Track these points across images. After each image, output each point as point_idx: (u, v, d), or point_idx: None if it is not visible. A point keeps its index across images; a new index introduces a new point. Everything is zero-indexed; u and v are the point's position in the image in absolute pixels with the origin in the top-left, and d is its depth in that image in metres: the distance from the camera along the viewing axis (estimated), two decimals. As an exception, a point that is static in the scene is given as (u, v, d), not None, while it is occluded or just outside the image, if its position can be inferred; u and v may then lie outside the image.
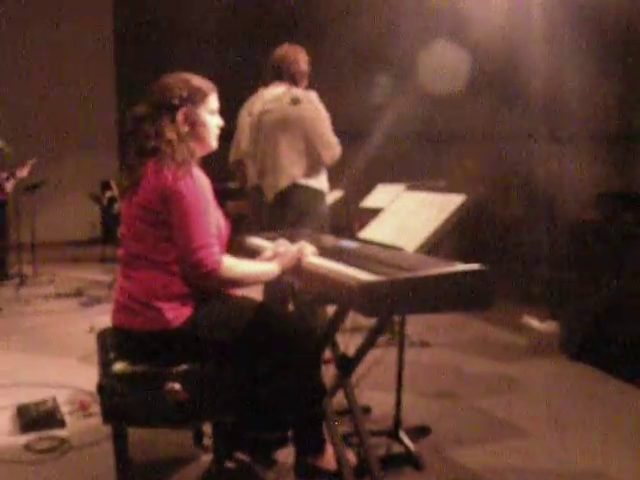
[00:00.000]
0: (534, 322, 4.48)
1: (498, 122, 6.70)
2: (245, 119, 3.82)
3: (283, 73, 3.71)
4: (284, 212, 3.56)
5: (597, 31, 5.30)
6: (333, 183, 3.85)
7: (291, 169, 3.55)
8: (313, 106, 3.57)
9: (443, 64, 6.59)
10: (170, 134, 2.24)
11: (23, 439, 3.02)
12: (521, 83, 6.35)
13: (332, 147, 3.58)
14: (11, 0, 9.87)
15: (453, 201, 2.56)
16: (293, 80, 3.70)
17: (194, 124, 2.31)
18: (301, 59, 3.75)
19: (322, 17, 8.21)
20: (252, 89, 3.88)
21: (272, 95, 3.66)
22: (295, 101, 3.56)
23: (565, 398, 3.65)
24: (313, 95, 3.61)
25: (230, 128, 3.41)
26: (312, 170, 3.60)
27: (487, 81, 6.57)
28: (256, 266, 2.33)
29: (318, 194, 3.65)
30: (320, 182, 3.66)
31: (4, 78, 9.79)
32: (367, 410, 3.32)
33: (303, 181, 3.58)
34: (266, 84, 3.78)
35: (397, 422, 2.97)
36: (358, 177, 5.90)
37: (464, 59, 6.53)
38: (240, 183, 4.03)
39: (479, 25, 6.07)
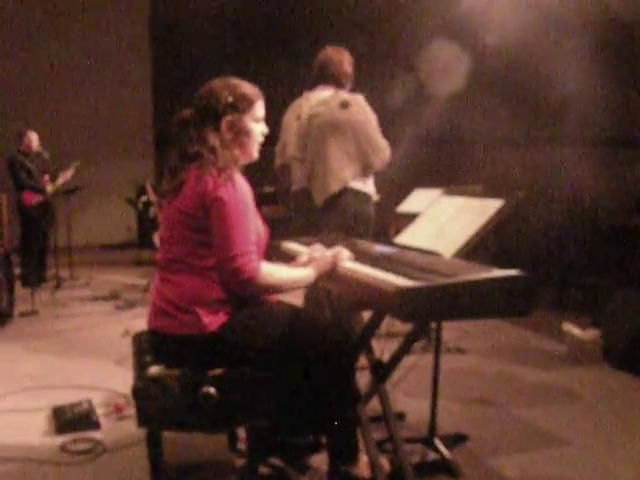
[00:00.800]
0: (575, 330, 4.36)
1: (528, 127, 6.65)
2: (292, 122, 3.79)
3: (327, 76, 3.68)
4: (334, 215, 3.54)
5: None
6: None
7: (342, 173, 3.52)
8: (362, 109, 3.54)
9: (472, 70, 6.57)
10: (213, 141, 2.23)
11: (58, 440, 3.04)
12: (546, 89, 6.30)
13: (382, 150, 3.55)
14: (49, 7, 10.05)
15: (491, 206, 2.52)
16: (338, 83, 3.68)
17: (238, 132, 2.29)
18: (345, 61, 3.72)
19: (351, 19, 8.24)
20: (293, 92, 3.87)
21: (319, 99, 3.63)
22: (344, 105, 3.53)
23: (606, 407, 3.58)
24: (361, 98, 3.58)
25: (273, 133, 3.40)
26: (362, 174, 3.57)
27: (512, 88, 6.54)
28: (293, 272, 2.31)
29: (367, 198, 3.63)
30: (368, 186, 3.64)
31: (42, 84, 9.96)
32: (402, 416, 3.29)
33: (353, 185, 3.56)
34: (310, 87, 3.76)
35: (432, 429, 2.93)
36: (393, 181, 5.88)
37: (490, 65, 6.52)
38: (284, 187, 4.00)
39: (501, 31, 6.04)
